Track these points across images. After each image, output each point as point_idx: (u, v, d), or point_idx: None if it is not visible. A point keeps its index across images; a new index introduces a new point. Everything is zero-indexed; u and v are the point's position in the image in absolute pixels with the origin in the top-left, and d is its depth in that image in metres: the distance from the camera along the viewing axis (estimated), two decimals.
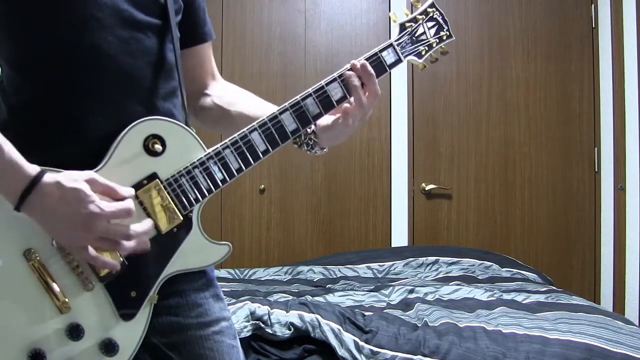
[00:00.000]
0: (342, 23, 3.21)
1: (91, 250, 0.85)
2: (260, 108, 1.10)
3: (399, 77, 3.14)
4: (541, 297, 2.17)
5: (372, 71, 1.03)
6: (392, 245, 3.15)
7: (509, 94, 3.18)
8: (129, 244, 0.87)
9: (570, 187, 3.16)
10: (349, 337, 1.68)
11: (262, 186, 3.14)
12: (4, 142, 0.81)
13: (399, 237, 3.16)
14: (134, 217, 0.87)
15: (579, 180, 3.16)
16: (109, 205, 0.84)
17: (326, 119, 1.06)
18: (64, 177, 0.83)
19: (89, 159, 0.90)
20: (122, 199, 0.87)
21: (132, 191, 0.89)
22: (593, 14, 3.16)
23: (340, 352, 1.66)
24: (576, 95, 3.18)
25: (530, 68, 3.18)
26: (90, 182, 0.84)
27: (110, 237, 0.85)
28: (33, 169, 0.82)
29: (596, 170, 3.15)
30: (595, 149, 3.15)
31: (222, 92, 1.18)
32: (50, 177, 0.82)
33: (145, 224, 0.89)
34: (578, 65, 3.17)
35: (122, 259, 0.89)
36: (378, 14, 3.20)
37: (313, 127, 1.07)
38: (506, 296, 2.18)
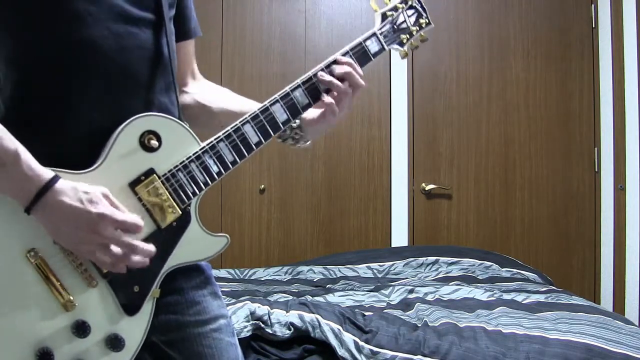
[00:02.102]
0: (342, 23, 3.21)
1: (99, 254, 0.86)
2: (241, 104, 1.12)
3: (399, 77, 3.14)
4: (541, 297, 2.17)
5: (354, 62, 1.07)
6: (392, 245, 3.15)
7: (509, 94, 3.18)
8: (133, 259, 0.88)
9: (570, 187, 3.16)
10: (349, 337, 1.68)
11: (262, 186, 3.14)
12: (19, 146, 0.82)
13: (399, 237, 3.16)
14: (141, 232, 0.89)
15: (579, 180, 3.16)
16: (119, 213, 0.86)
17: (312, 113, 1.09)
18: (79, 184, 0.85)
19: (88, 155, 0.91)
20: None
21: (139, 217, 0.90)
22: (593, 14, 3.16)
23: (340, 352, 1.66)
24: (576, 95, 3.18)
25: (530, 68, 3.18)
26: (104, 195, 0.86)
27: (117, 245, 0.86)
28: (48, 173, 0.83)
29: (596, 170, 3.15)
30: (595, 149, 3.15)
31: (201, 90, 1.19)
32: (65, 182, 0.84)
33: (151, 247, 0.90)
34: (578, 65, 3.17)
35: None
36: None
37: (298, 121, 1.09)
38: (506, 296, 2.18)
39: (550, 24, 3.18)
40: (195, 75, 1.21)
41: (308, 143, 1.14)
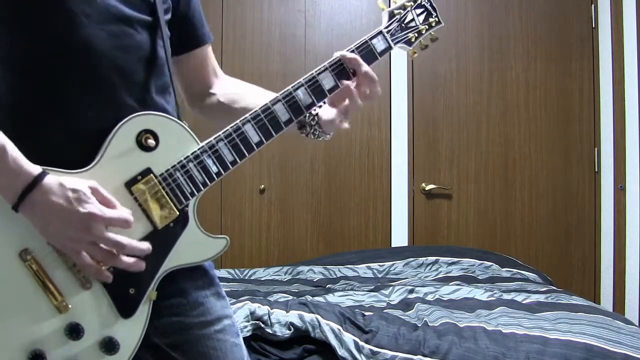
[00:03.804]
0: (342, 23, 3.21)
1: (85, 255, 0.85)
2: (263, 100, 1.10)
3: (399, 77, 3.14)
4: (541, 297, 2.17)
5: (362, 62, 1.05)
6: (392, 245, 3.14)
7: (509, 94, 3.18)
8: (124, 259, 0.86)
9: (570, 187, 3.16)
10: (349, 337, 1.68)
11: (262, 186, 3.14)
12: (6, 142, 0.81)
13: (399, 237, 3.16)
14: (131, 228, 0.88)
15: (579, 180, 3.16)
16: (108, 210, 0.85)
17: (328, 114, 1.09)
18: (67, 179, 0.84)
19: (84, 154, 0.90)
20: None
21: (129, 212, 0.89)
22: (593, 14, 3.16)
23: (340, 352, 1.66)
24: (576, 95, 3.18)
25: (530, 68, 3.18)
26: (92, 189, 0.85)
27: (105, 244, 0.84)
28: (35, 168, 0.83)
29: (596, 170, 3.14)
30: (595, 149, 3.15)
31: (226, 90, 1.21)
32: (52, 177, 0.83)
33: (143, 245, 0.89)
34: (578, 65, 3.17)
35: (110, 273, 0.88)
36: (378, 13, 3.19)
37: (316, 119, 1.09)
38: (506, 296, 2.18)
39: (550, 24, 3.18)
40: (217, 74, 1.22)
41: (329, 136, 1.14)
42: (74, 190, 0.83)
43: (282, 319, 1.74)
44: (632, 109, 2.87)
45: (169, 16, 1.06)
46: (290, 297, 2.10)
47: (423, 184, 3.16)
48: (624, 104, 2.92)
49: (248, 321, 1.73)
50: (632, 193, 2.87)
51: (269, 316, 1.74)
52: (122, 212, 0.87)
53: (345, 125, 1.10)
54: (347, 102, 1.07)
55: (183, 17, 1.09)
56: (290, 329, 1.72)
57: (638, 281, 2.80)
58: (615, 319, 1.87)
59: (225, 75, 1.25)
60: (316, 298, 2.14)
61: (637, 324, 2.59)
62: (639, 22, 2.78)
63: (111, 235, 0.85)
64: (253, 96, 1.16)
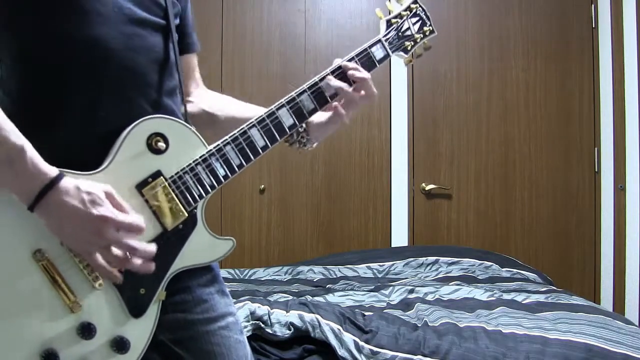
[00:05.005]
0: (342, 23, 3.21)
1: (98, 256, 0.85)
2: (247, 111, 1.14)
3: (399, 77, 3.14)
4: (541, 297, 2.17)
5: (366, 74, 1.09)
6: (392, 245, 3.15)
7: (509, 94, 3.18)
8: (135, 262, 0.87)
9: (570, 187, 3.16)
10: (349, 337, 1.68)
11: (262, 186, 3.14)
12: (25, 143, 0.82)
13: (399, 237, 3.16)
14: (142, 234, 0.89)
15: (579, 180, 3.16)
16: (121, 214, 0.86)
17: (319, 117, 1.11)
18: (83, 182, 0.85)
19: (96, 154, 0.91)
20: None
21: (141, 218, 0.89)
22: (593, 14, 3.16)
23: (340, 352, 1.66)
24: (576, 95, 3.18)
25: (530, 68, 3.18)
26: (107, 193, 0.86)
27: (118, 247, 0.85)
28: (52, 170, 0.83)
29: (596, 170, 3.15)
30: (595, 149, 3.15)
31: (206, 99, 1.22)
32: (69, 180, 0.84)
33: (151, 247, 0.90)
34: (578, 65, 3.17)
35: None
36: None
37: (304, 125, 1.11)
38: (506, 296, 2.18)
39: (550, 24, 3.18)
40: (199, 84, 1.24)
41: (314, 145, 1.16)
42: (89, 193, 0.84)
43: (282, 319, 1.74)
44: (632, 109, 2.88)
45: (178, 21, 1.07)
46: (290, 297, 2.10)
47: (423, 184, 3.16)
48: (624, 104, 2.92)
49: (248, 321, 1.73)
50: (632, 193, 2.87)
51: (269, 316, 1.74)
52: (136, 217, 0.87)
53: (346, 121, 1.12)
54: (342, 102, 1.10)
55: (180, 21, 1.10)
56: (290, 329, 1.72)
57: (638, 281, 2.81)
58: (615, 319, 1.87)
59: (207, 89, 1.26)
60: (316, 298, 2.14)
61: (637, 324, 2.59)
62: (639, 22, 2.79)
63: (125, 239, 0.86)
64: (237, 107, 1.19)
